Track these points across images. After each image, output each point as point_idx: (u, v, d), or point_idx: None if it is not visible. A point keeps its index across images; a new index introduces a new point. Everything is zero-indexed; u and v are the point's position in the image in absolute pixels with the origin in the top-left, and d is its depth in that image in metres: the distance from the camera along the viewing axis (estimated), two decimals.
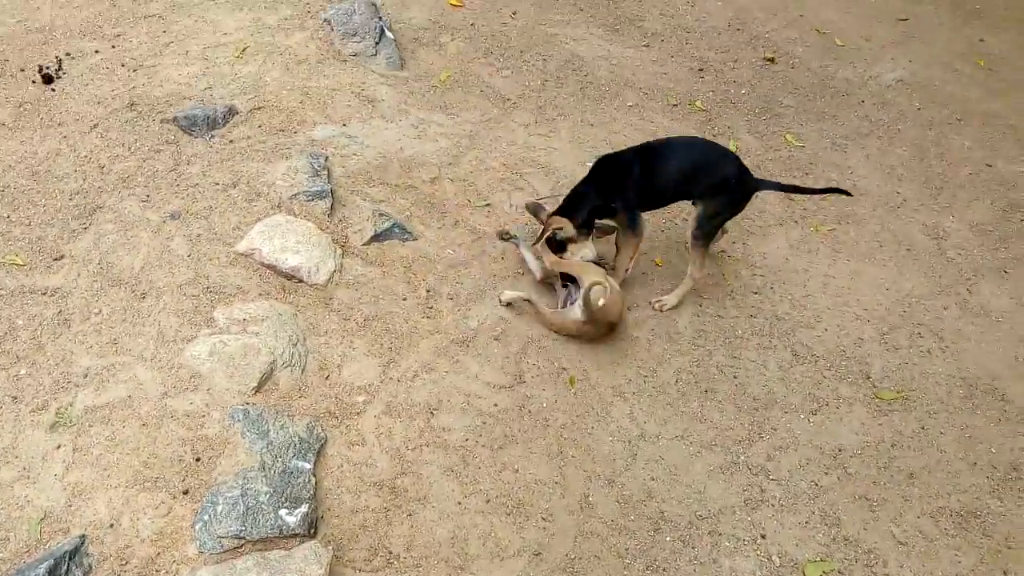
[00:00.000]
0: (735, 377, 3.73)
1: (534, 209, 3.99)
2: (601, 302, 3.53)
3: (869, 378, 3.80)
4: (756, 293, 4.15)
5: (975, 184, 4.92)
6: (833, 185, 4.51)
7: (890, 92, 5.64)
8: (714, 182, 3.69)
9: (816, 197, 4.66)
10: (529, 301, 3.75)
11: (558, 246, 3.89)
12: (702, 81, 5.62)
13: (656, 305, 3.96)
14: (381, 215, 3.97)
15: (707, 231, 3.80)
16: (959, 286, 4.27)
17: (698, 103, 5.39)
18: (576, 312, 3.62)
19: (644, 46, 5.93)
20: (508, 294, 3.79)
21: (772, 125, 5.27)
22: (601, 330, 3.67)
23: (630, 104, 5.32)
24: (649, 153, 3.81)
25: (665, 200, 3.94)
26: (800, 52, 5.97)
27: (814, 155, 5.05)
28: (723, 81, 5.63)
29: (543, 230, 3.81)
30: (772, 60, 5.86)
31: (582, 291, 3.57)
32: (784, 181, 4.58)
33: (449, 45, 5.57)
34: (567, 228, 3.82)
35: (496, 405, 3.39)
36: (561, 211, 3.85)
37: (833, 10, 6.50)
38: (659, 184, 3.78)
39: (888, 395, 3.72)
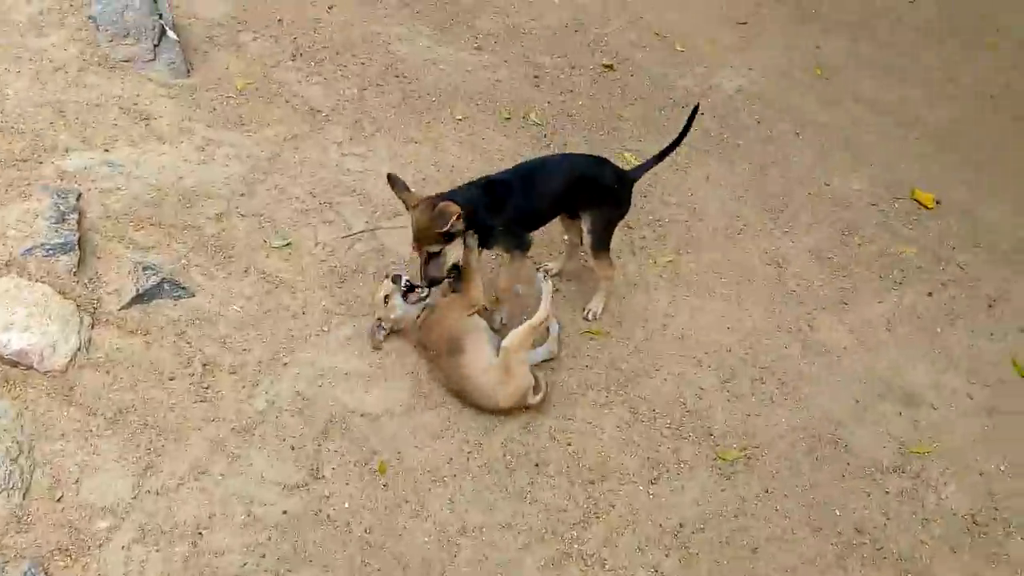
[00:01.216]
0: (569, 444, 3.33)
1: (400, 186, 3.27)
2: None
3: (711, 435, 3.50)
4: (592, 339, 3.77)
5: (814, 205, 4.75)
6: (674, 212, 4.14)
7: (731, 103, 5.41)
8: (594, 194, 3.55)
9: (659, 219, 4.36)
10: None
11: (446, 237, 3.14)
12: (537, 90, 5.17)
13: (589, 315, 3.84)
14: (146, 269, 3.27)
15: (604, 240, 3.64)
16: (800, 321, 4.06)
17: (533, 116, 4.94)
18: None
19: (476, 48, 5.40)
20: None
21: (610, 141, 4.90)
22: None
23: (459, 117, 4.80)
24: (525, 174, 3.47)
25: (544, 220, 3.63)
26: (640, 58, 5.63)
27: (654, 176, 4.68)
28: (560, 90, 5.20)
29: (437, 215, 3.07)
30: (611, 67, 5.48)
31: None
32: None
33: (250, 45, 4.83)
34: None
35: (285, 513, 2.81)
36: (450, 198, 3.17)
37: (672, 11, 6.20)
38: (537, 205, 3.49)
39: (731, 454, 3.44)
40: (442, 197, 3.18)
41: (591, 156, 3.74)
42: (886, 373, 3.89)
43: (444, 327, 3.35)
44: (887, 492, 3.42)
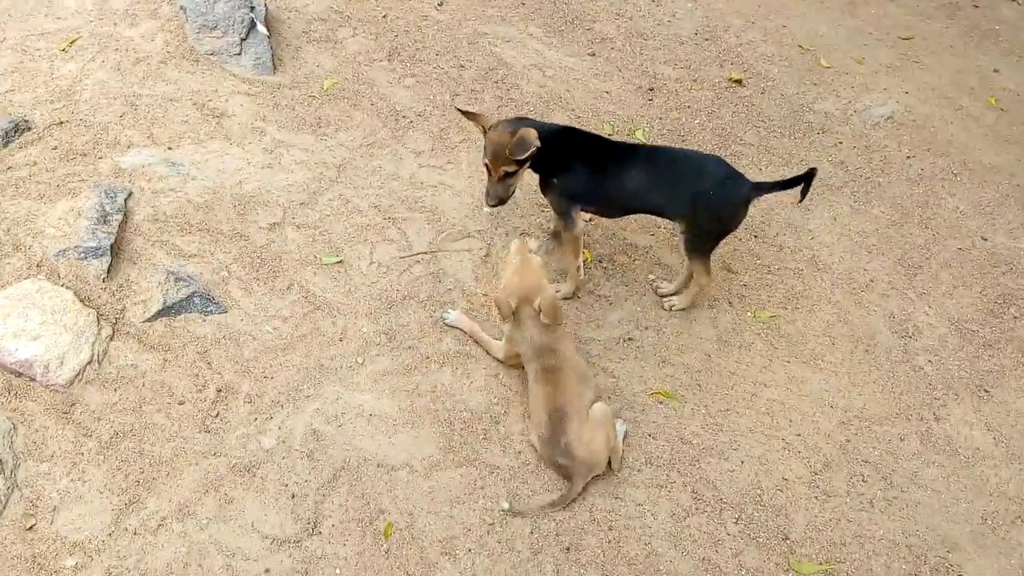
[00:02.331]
0: (610, 528, 2.86)
1: (469, 114, 3.31)
2: None
3: (788, 539, 2.92)
4: (662, 403, 3.26)
5: (964, 263, 3.97)
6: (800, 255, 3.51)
7: (876, 132, 4.66)
8: (686, 198, 3.20)
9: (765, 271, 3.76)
10: None
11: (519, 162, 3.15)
12: (650, 104, 4.65)
13: (666, 305, 3.55)
14: (178, 280, 3.09)
15: (700, 247, 3.33)
16: (924, 408, 3.36)
17: (639, 134, 4.43)
18: None
19: (589, 54, 4.95)
20: None
21: None
22: None
23: None
24: (615, 150, 3.29)
25: (613, 210, 3.47)
26: (775, 73, 4.98)
27: (769, 212, 4.11)
28: (676, 106, 4.66)
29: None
30: (739, 82, 4.87)
31: None
32: (728, 243, 3.74)
33: (347, 42, 4.62)
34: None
35: (267, 572, 2.53)
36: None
37: (824, 22, 5.48)
38: (607, 189, 3.28)
39: (808, 567, 2.84)
40: (520, 121, 3.18)
41: (704, 154, 3.38)
42: None
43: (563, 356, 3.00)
44: None
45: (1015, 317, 3.75)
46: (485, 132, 3.20)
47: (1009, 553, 2.95)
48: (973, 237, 4.11)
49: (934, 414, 3.34)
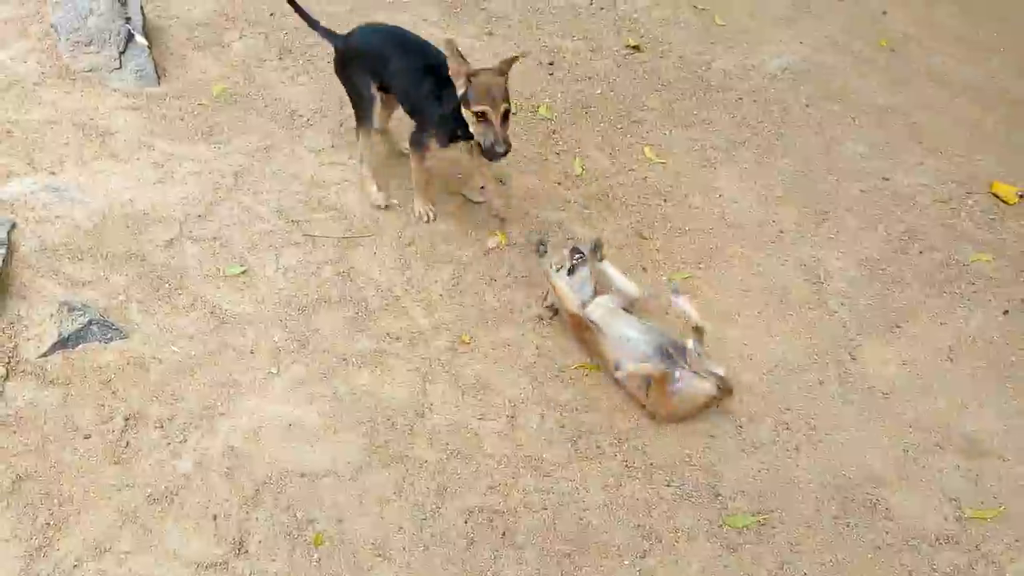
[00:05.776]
0: (544, 509, 2.85)
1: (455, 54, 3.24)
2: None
3: (719, 495, 2.95)
4: (587, 375, 3.26)
5: (868, 205, 4.06)
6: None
7: (774, 85, 4.72)
8: None
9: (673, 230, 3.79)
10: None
11: None
12: (551, 79, 4.63)
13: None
14: (72, 309, 2.95)
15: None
16: (840, 350, 3.43)
17: (543, 110, 4.41)
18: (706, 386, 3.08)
19: (487, 34, 4.90)
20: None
21: (630, 135, 4.33)
22: None
23: None
24: None
25: None
26: (672, 37, 5.00)
27: (677, 174, 4.13)
28: (576, 78, 4.64)
29: None
30: (637, 48, 4.88)
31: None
32: (639, 209, 3.74)
33: (234, 45, 4.48)
34: None
35: None
36: None
37: None
38: None
39: (741, 520, 2.89)
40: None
41: None
42: (944, 416, 3.24)
43: None
44: (935, 569, 2.80)
45: (920, 252, 3.85)
46: (470, 79, 3.17)
47: (929, 480, 3.04)
48: (875, 179, 4.20)
49: (850, 355, 3.42)
